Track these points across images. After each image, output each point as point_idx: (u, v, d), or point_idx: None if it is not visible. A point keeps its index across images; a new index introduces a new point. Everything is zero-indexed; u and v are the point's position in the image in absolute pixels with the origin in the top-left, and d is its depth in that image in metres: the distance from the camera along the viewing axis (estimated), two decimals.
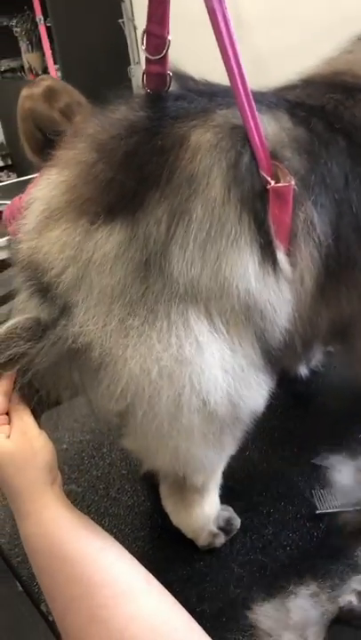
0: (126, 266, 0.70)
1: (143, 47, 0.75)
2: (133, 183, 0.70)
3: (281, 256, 0.75)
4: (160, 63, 0.76)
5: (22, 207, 0.81)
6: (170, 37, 0.74)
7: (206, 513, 0.96)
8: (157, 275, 0.70)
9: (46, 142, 1.87)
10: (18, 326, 0.71)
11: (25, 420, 0.74)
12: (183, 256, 0.70)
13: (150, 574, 0.68)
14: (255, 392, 0.80)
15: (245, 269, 0.72)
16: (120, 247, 0.70)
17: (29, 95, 1.99)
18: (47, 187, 0.77)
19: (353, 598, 0.84)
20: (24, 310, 0.74)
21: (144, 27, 0.74)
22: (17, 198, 2.13)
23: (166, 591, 0.66)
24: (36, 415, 0.76)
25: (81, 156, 0.75)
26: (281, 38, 2.22)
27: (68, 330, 0.71)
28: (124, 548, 0.69)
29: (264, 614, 0.83)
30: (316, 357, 1.33)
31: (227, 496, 1.01)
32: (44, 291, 0.72)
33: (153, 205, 0.70)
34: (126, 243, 0.70)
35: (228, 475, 0.98)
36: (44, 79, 2.10)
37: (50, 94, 1.97)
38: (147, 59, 0.76)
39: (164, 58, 0.75)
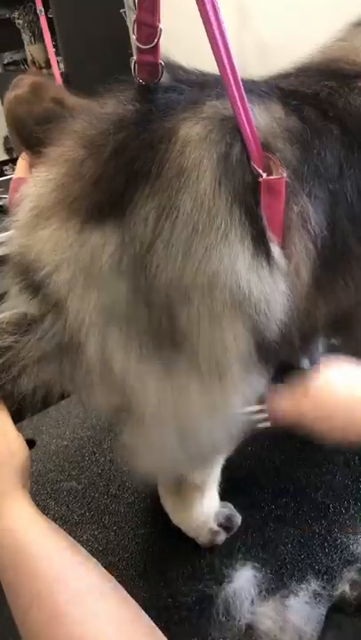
0: (118, 276, 0.69)
1: (134, 36, 0.73)
2: (122, 180, 0.69)
3: (275, 249, 0.74)
4: (152, 52, 0.73)
5: (14, 203, 0.80)
6: (161, 26, 0.72)
7: (206, 510, 0.95)
8: (145, 276, 0.69)
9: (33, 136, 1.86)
10: (4, 321, 0.71)
11: (3, 421, 0.73)
12: (168, 252, 0.68)
13: (115, 580, 0.67)
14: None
15: (235, 262, 0.71)
16: (112, 255, 0.68)
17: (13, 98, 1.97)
18: (36, 184, 0.75)
19: (347, 587, 0.85)
20: (13, 305, 0.73)
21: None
22: (15, 179, 2.14)
23: (130, 597, 0.66)
24: (15, 420, 0.75)
25: (69, 153, 0.74)
26: (284, 26, 2.19)
27: (60, 328, 0.70)
28: (88, 553, 0.69)
29: (264, 615, 0.82)
30: (319, 350, 1.31)
31: (228, 492, 0.99)
32: (34, 287, 0.71)
33: (142, 203, 0.68)
34: (119, 251, 0.68)
35: (229, 471, 0.97)
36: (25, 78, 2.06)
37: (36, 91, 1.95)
38: (138, 48, 0.73)
39: (156, 47, 0.73)
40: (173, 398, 0.74)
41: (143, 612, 0.64)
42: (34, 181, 0.76)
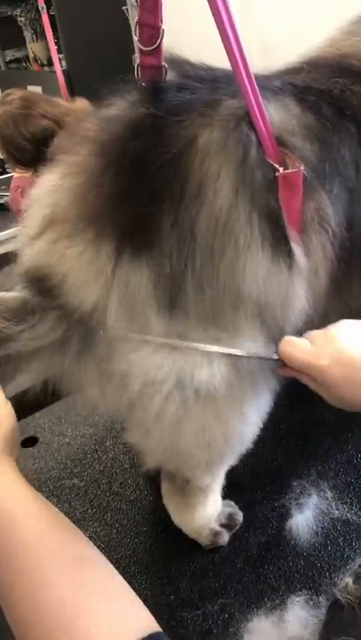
0: (151, 305, 0.70)
1: (136, 38, 0.71)
2: (147, 200, 0.68)
3: (295, 247, 0.73)
4: (154, 54, 0.72)
5: (23, 208, 0.79)
6: (163, 27, 0.70)
7: (208, 513, 0.95)
8: (175, 306, 0.70)
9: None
10: (2, 304, 0.70)
11: None
12: (196, 279, 0.69)
13: (111, 565, 0.66)
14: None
15: (258, 271, 0.71)
16: (148, 286, 0.69)
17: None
18: (50, 192, 0.74)
19: (350, 579, 0.84)
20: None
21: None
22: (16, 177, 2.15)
23: (129, 587, 0.65)
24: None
25: (85, 161, 0.72)
26: (287, 26, 2.18)
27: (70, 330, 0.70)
28: (72, 523, 0.68)
29: (259, 631, 0.82)
30: None
31: (230, 490, 1.00)
32: (49, 296, 0.71)
33: (167, 234, 0.68)
34: (153, 281, 0.69)
35: (232, 469, 0.96)
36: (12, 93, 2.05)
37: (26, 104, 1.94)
38: (140, 50, 0.72)
39: (158, 49, 0.71)
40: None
41: (129, 586, 0.64)
42: (46, 188, 0.75)
